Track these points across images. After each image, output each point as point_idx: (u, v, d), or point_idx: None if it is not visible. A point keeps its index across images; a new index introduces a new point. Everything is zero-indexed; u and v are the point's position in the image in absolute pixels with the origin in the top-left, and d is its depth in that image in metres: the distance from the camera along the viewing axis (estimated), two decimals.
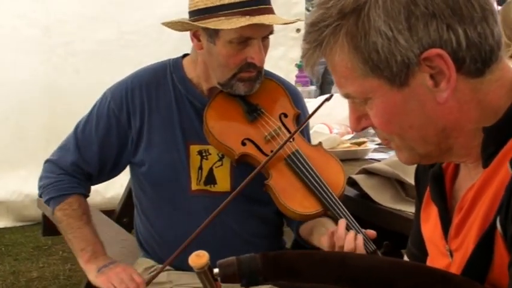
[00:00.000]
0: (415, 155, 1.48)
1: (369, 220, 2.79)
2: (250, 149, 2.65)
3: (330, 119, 3.56)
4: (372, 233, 2.49)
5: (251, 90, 2.65)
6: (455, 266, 1.47)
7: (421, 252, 1.69)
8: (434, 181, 1.57)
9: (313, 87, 5.03)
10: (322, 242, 2.48)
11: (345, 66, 1.39)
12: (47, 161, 2.86)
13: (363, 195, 2.86)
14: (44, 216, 4.15)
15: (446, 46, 1.34)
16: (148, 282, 2.59)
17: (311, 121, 3.07)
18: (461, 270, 1.43)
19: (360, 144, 3.39)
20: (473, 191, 1.43)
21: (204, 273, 1.39)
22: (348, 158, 3.32)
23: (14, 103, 5.50)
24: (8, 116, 5.53)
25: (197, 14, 2.58)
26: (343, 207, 2.55)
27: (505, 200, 1.33)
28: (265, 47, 2.62)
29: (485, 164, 1.41)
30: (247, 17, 2.50)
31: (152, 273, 2.78)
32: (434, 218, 1.57)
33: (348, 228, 2.45)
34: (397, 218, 2.62)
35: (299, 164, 2.62)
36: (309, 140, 2.88)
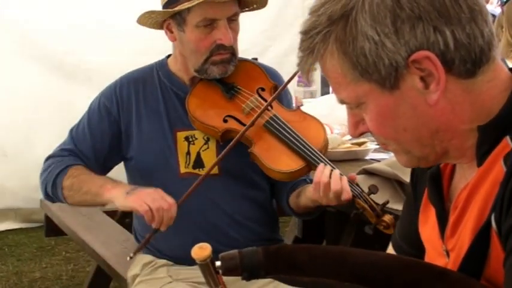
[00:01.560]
0: (413, 158, 1.48)
1: (368, 220, 2.80)
2: (232, 124, 2.73)
3: (331, 120, 3.56)
4: (352, 175, 2.58)
5: (226, 73, 2.73)
6: (451, 265, 1.47)
7: (413, 248, 1.70)
8: (433, 182, 1.57)
9: (315, 88, 5.04)
10: (310, 191, 2.57)
11: (336, 72, 1.40)
12: (46, 159, 2.89)
13: None
14: (47, 217, 4.17)
15: (433, 48, 1.33)
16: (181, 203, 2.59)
17: None
18: (457, 268, 1.42)
19: (360, 144, 3.39)
20: (467, 189, 1.43)
21: (207, 265, 1.38)
22: (349, 159, 3.33)
23: (23, 109, 5.52)
24: (14, 126, 5.54)
25: (166, 6, 2.69)
26: (326, 159, 2.61)
27: (499, 196, 1.33)
28: (234, 30, 2.69)
29: (480, 163, 1.41)
30: None
31: (151, 268, 2.83)
32: (432, 219, 1.57)
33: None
34: (396, 218, 2.62)
35: (278, 127, 2.70)
36: (289, 106, 2.93)
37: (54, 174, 2.76)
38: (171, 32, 2.73)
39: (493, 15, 5.21)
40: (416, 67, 1.34)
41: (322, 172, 2.49)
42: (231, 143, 2.63)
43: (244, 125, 2.70)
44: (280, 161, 2.66)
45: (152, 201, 2.51)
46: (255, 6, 2.78)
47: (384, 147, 1.53)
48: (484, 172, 1.40)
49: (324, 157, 2.62)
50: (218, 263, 1.39)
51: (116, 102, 2.81)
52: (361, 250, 1.43)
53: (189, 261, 2.69)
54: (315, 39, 1.38)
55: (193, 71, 2.75)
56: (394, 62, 1.34)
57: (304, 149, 2.63)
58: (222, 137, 2.72)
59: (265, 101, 2.76)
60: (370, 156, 3.40)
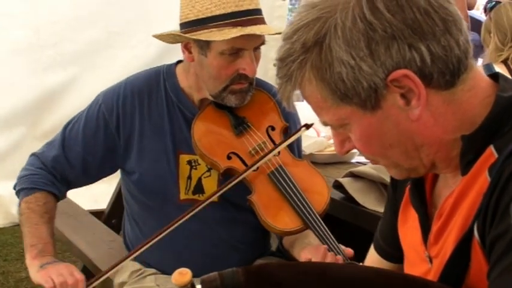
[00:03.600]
0: (403, 170, 1.48)
1: (354, 222, 2.80)
2: (235, 163, 2.63)
3: (317, 123, 3.54)
4: (349, 251, 2.45)
5: (243, 102, 2.62)
6: (433, 272, 1.47)
7: (393, 248, 1.72)
8: (415, 187, 1.57)
9: (299, 91, 5.03)
10: (302, 257, 2.45)
11: (316, 97, 1.39)
12: (32, 155, 2.83)
13: (349, 198, 2.89)
14: None
15: (410, 65, 1.32)
16: (92, 283, 2.51)
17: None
18: (439, 276, 1.43)
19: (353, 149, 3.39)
20: (453, 198, 1.44)
21: None
22: (335, 161, 3.34)
23: (3, 102, 5.48)
24: None
25: (188, 26, 2.54)
26: (324, 225, 2.50)
27: (482, 207, 1.33)
28: (257, 58, 2.58)
29: (464, 172, 1.42)
30: (239, 27, 2.46)
31: (139, 276, 2.79)
32: (413, 222, 1.58)
33: (328, 250, 2.40)
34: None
35: (281, 180, 2.59)
36: (299, 152, 2.85)
37: (22, 186, 2.72)
38: (190, 52, 2.59)
39: (480, 21, 5.22)
40: (396, 85, 1.34)
41: (322, 256, 2.36)
42: (230, 185, 2.52)
43: (247, 165, 2.59)
44: (278, 217, 2.56)
45: (57, 277, 2.45)
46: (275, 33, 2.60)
47: (373, 162, 1.53)
48: (469, 181, 1.40)
49: (322, 223, 2.50)
50: (199, 287, 1.39)
51: (116, 115, 2.70)
52: (341, 264, 1.46)
53: None
54: (291, 67, 1.39)
55: (208, 95, 2.63)
56: (372, 84, 1.34)
57: (305, 211, 2.52)
58: (223, 174, 2.63)
59: (274, 144, 2.65)
60: (356, 159, 3.41)
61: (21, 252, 5.12)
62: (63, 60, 5.53)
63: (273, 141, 2.68)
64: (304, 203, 2.54)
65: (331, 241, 2.45)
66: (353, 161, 3.41)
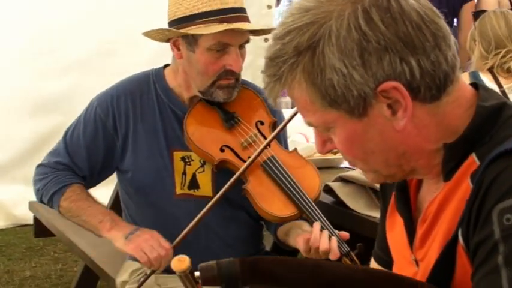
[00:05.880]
0: (380, 176, 1.48)
1: (344, 226, 2.80)
2: (228, 155, 2.66)
3: (307, 129, 3.55)
4: (345, 234, 2.49)
5: (230, 98, 2.65)
6: (420, 274, 1.47)
7: (387, 256, 1.70)
8: (400, 192, 1.56)
9: (289, 98, 5.04)
10: (298, 241, 2.49)
11: (304, 100, 1.38)
12: (39, 166, 2.83)
13: (339, 202, 2.88)
14: (35, 219, 4.15)
15: (400, 78, 1.32)
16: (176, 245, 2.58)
17: (289, 131, 3.07)
18: (426, 279, 1.43)
19: (335, 152, 3.40)
20: (436, 204, 1.44)
21: (186, 276, 1.41)
22: (324, 166, 3.31)
23: (0, 107, 5.50)
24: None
25: (176, 23, 2.58)
26: (318, 210, 2.55)
27: (466, 213, 1.33)
28: (242, 55, 2.62)
29: (447, 178, 1.41)
30: (225, 24, 2.51)
31: (140, 275, 2.80)
32: (399, 227, 1.57)
33: (322, 230, 2.45)
34: (370, 224, 2.64)
35: (275, 169, 2.62)
36: (286, 147, 2.87)
37: (51, 192, 2.72)
38: (179, 49, 2.63)
39: None
40: (384, 96, 1.33)
41: (315, 234, 2.42)
42: (231, 181, 2.56)
43: (240, 158, 2.63)
44: (273, 204, 2.59)
45: (150, 251, 2.51)
46: (260, 32, 2.67)
47: (351, 165, 1.53)
48: (451, 188, 1.40)
49: (316, 208, 2.55)
50: (197, 274, 1.40)
51: (112, 116, 2.73)
52: (335, 263, 1.45)
53: None
54: (281, 68, 1.36)
55: (197, 92, 2.66)
56: (362, 93, 1.33)
57: (299, 197, 2.56)
58: (217, 166, 2.66)
59: (264, 137, 2.68)
60: (345, 164, 3.39)
61: (24, 252, 5.13)
62: (58, 68, 5.54)
63: (262, 134, 2.70)
64: (297, 189, 2.58)
65: (326, 224, 2.49)
66: (342, 165, 3.41)
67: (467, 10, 6.69)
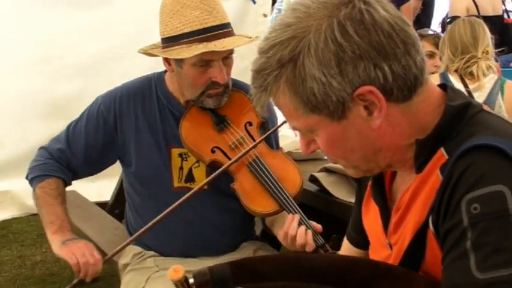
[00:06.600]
0: (360, 171, 1.50)
1: (328, 212, 2.81)
2: (218, 156, 2.66)
3: (293, 130, 3.55)
4: (318, 227, 2.49)
5: (219, 104, 2.65)
6: (394, 257, 1.49)
7: (360, 236, 1.74)
8: (376, 183, 1.59)
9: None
10: (279, 235, 2.51)
11: (288, 107, 1.39)
12: (41, 148, 2.85)
13: (323, 190, 2.89)
14: None
15: (374, 82, 1.33)
16: (108, 259, 2.56)
17: None
18: (399, 261, 1.45)
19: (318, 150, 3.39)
20: (409, 193, 1.45)
21: (181, 284, 1.41)
22: (310, 158, 3.34)
23: (14, 109, 5.47)
24: (11, 119, 5.49)
25: (165, 41, 2.59)
26: (296, 206, 2.55)
27: (436, 202, 1.35)
28: (228, 65, 2.60)
29: (418, 170, 1.43)
30: (204, 43, 2.48)
31: (140, 258, 2.81)
32: (374, 213, 1.59)
33: (299, 225, 2.45)
34: (351, 210, 2.60)
35: (259, 170, 2.63)
36: (276, 143, 2.87)
37: (34, 175, 2.73)
38: (169, 64, 2.63)
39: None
40: (361, 99, 1.35)
41: (290, 226, 2.45)
42: (215, 174, 2.58)
43: (229, 158, 2.64)
44: (256, 201, 2.61)
45: (81, 256, 2.47)
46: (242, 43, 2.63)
47: (333, 162, 1.54)
48: (422, 179, 1.42)
49: (295, 205, 2.56)
50: (191, 281, 1.41)
51: (113, 113, 2.73)
52: (316, 254, 1.48)
53: (175, 255, 2.73)
54: (267, 79, 1.38)
55: (190, 99, 2.67)
56: (340, 98, 1.34)
57: (280, 196, 2.58)
58: (209, 165, 2.67)
59: (252, 138, 2.70)
60: None
61: (35, 238, 5.11)
62: (69, 72, 5.53)
63: (250, 135, 2.71)
64: (279, 188, 2.59)
65: (303, 219, 2.50)
66: (326, 157, 3.40)
67: (403, 11, 6.75)
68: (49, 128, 5.36)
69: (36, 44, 5.48)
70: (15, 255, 4.80)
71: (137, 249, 2.84)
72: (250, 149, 2.60)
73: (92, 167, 2.81)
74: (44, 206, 2.66)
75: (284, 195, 2.57)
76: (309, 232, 2.43)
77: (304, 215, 2.52)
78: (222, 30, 2.53)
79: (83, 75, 5.53)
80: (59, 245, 2.53)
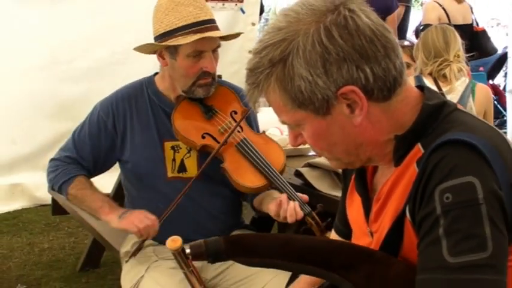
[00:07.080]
0: (342, 163, 1.51)
1: (312, 204, 2.80)
2: (208, 141, 2.70)
3: (282, 124, 3.55)
4: (305, 197, 2.56)
5: (208, 93, 2.70)
6: (374, 244, 1.50)
7: (346, 228, 1.74)
8: (359, 176, 1.59)
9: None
10: (270, 207, 2.55)
11: (278, 103, 1.41)
12: (51, 160, 2.86)
13: (307, 184, 2.91)
14: (53, 199, 4.13)
15: (357, 83, 1.35)
16: (161, 220, 2.61)
17: (266, 125, 3.14)
18: (379, 247, 1.45)
19: (304, 143, 3.39)
20: (388, 185, 1.46)
21: (179, 253, 1.44)
22: (295, 154, 3.34)
23: (23, 111, 5.46)
24: (21, 118, 5.48)
25: (159, 37, 2.63)
26: (283, 179, 2.61)
27: (412, 193, 1.35)
28: (216, 58, 2.67)
29: (397, 164, 1.44)
30: (198, 34, 2.56)
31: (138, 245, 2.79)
32: (357, 204, 1.60)
33: (289, 200, 2.51)
34: (333, 202, 2.65)
35: (247, 149, 2.67)
36: (257, 129, 2.91)
37: (61, 182, 2.75)
38: (163, 58, 2.68)
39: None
40: (344, 98, 1.36)
41: (283, 203, 2.49)
42: (208, 159, 2.63)
43: (218, 142, 2.67)
44: (246, 177, 2.64)
45: (139, 222, 2.55)
46: (229, 37, 2.74)
47: (318, 154, 1.56)
48: (401, 172, 1.42)
49: (281, 177, 2.61)
50: (188, 251, 1.44)
51: (112, 117, 2.76)
52: (304, 236, 1.50)
53: None
54: (259, 77, 1.40)
55: (181, 91, 2.71)
56: (325, 96, 1.36)
57: (267, 170, 2.62)
58: (200, 150, 2.69)
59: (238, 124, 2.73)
60: (312, 152, 3.41)
61: (43, 227, 5.10)
62: (75, 75, 5.52)
63: (236, 121, 2.75)
64: (266, 164, 2.64)
65: (290, 190, 2.56)
66: (310, 153, 3.42)
67: (389, 22, 6.75)
68: (56, 127, 5.39)
69: (46, 49, 5.46)
70: (24, 243, 4.80)
71: (137, 238, 2.80)
72: (234, 128, 2.66)
73: (100, 167, 2.84)
74: (85, 199, 2.71)
75: (272, 170, 2.62)
76: (297, 204, 2.48)
77: (291, 187, 2.57)
78: (211, 24, 2.62)
79: (88, 78, 5.52)
80: (117, 221, 2.60)
